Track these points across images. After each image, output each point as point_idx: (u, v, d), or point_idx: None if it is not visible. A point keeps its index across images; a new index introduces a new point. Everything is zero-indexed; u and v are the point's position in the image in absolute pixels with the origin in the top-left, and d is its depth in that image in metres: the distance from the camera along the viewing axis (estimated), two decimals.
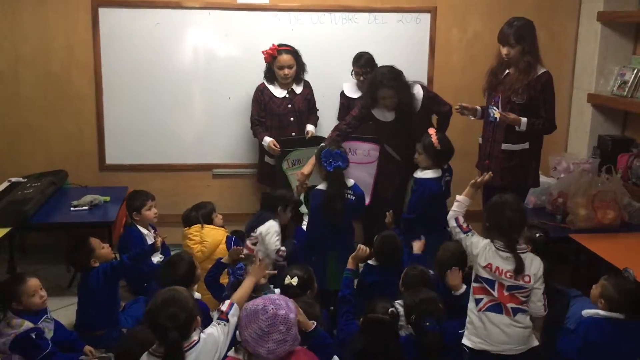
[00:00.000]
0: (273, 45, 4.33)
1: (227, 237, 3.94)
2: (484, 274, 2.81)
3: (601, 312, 2.95)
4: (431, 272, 3.38)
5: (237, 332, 2.43)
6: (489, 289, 2.80)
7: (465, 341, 2.86)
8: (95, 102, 4.68)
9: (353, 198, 3.78)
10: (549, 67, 3.87)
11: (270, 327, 2.26)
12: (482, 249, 2.85)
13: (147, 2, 4.57)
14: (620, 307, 2.93)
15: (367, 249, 3.40)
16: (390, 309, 2.85)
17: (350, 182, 3.83)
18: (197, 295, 3.21)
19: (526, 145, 3.88)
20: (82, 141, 4.73)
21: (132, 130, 4.74)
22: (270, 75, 4.42)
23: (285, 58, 4.32)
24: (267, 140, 4.30)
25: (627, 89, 4.38)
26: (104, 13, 4.55)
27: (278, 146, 4.26)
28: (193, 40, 4.68)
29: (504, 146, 3.89)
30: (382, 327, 2.76)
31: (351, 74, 4.45)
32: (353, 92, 4.51)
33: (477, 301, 2.84)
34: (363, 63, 4.34)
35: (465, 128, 4.32)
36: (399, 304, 3.21)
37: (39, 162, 4.62)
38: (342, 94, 4.57)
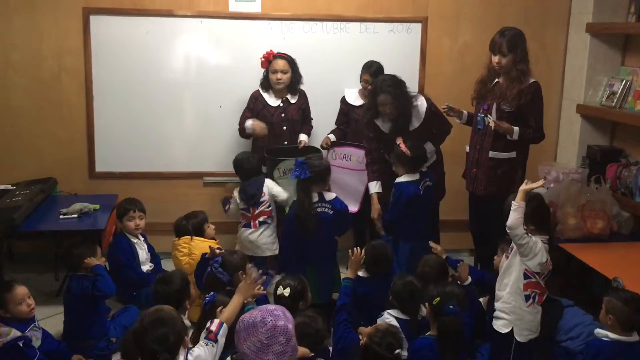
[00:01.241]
0: (271, 50, 4.35)
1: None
2: (538, 269, 2.96)
3: (611, 334, 2.84)
4: None
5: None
6: (540, 281, 2.98)
7: (518, 337, 3.00)
8: (86, 110, 4.65)
9: (331, 212, 3.68)
10: (538, 78, 3.92)
11: (270, 339, 2.20)
12: (540, 246, 2.97)
13: (139, 10, 4.56)
14: (630, 319, 2.81)
15: (360, 251, 3.36)
16: (396, 351, 2.75)
17: (331, 195, 3.74)
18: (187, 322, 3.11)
19: (513, 154, 3.93)
20: (72, 148, 4.70)
21: (122, 138, 4.72)
22: (266, 82, 4.42)
23: (279, 63, 4.33)
24: (249, 121, 4.32)
25: (615, 100, 4.41)
26: (95, 20, 4.54)
27: (266, 127, 4.28)
28: (184, 48, 4.68)
29: (491, 154, 3.94)
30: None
31: (360, 81, 4.46)
32: (355, 100, 4.53)
33: (527, 297, 2.98)
34: (374, 71, 4.34)
35: (456, 136, 4.34)
36: (388, 313, 3.22)
37: (28, 170, 4.58)
38: (343, 99, 4.58)
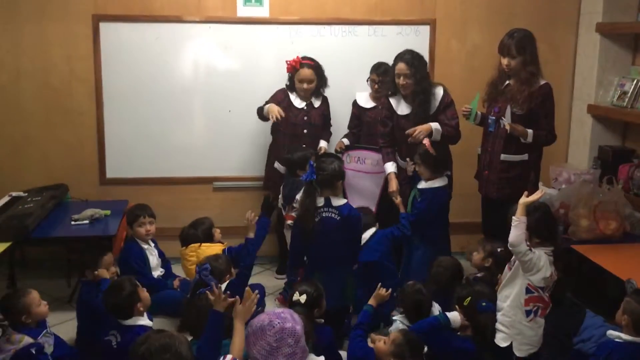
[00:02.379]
0: (297, 57, 4.36)
1: (223, 250, 3.92)
2: (542, 283, 2.90)
3: (624, 335, 2.79)
4: None
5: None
6: (544, 295, 2.92)
7: (517, 352, 2.94)
8: (96, 116, 4.68)
9: (337, 218, 3.52)
10: (549, 79, 3.89)
11: (279, 341, 2.21)
12: (545, 259, 2.90)
13: (148, 16, 4.58)
14: None
15: (387, 292, 3.25)
16: (424, 350, 2.77)
17: (340, 201, 3.58)
18: (147, 321, 3.08)
19: (525, 157, 3.90)
20: (82, 155, 4.73)
21: (132, 144, 4.74)
22: (292, 85, 4.44)
23: (306, 72, 4.33)
24: (269, 105, 4.28)
25: (626, 100, 4.38)
26: (105, 27, 4.57)
27: (282, 114, 4.21)
28: (193, 53, 4.69)
29: (502, 157, 3.91)
30: None
31: (367, 81, 4.46)
32: (366, 102, 4.52)
33: (528, 312, 2.92)
34: (382, 71, 4.34)
35: (467, 137, 4.32)
36: (398, 320, 3.21)
37: (40, 176, 4.61)
38: (355, 103, 4.57)
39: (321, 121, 4.50)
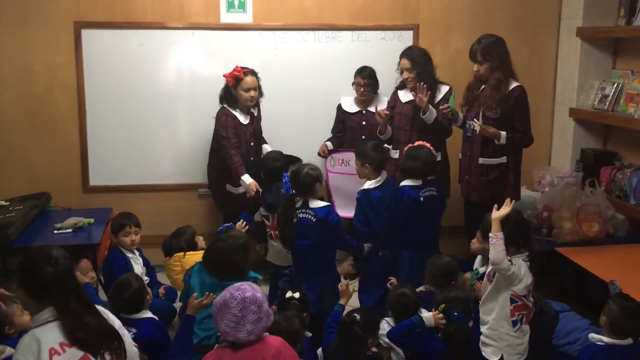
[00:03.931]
0: (237, 67, 4.26)
1: None
2: (525, 292, 2.87)
3: (605, 338, 2.80)
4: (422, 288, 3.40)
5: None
6: (527, 302, 2.90)
7: None
8: (79, 123, 4.64)
9: (313, 219, 3.53)
10: (530, 83, 3.95)
11: (243, 310, 2.31)
12: (524, 268, 2.87)
13: (130, 23, 4.56)
14: (620, 324, 2.77)
15: (350, 289, 3.26)
16: (353, 314, 2.87)
17: (318, 203, 3.58)
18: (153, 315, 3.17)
19: (504, 160, 3.94)
20: (65, 163, 4.68)
21: (116, 151, 4.70)
22: (232, 100, 4.28)
23: (252, 80, 4.23)
24: (249, 181, 4.06)
25: (607, 103, 4.43)
26: (87, 34, 4.53)
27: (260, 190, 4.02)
28: (177, 60, 4.68)
29: (481, 160, 3.96)
30: (347, 331, 2.82)
31: (352, 85, 4.48)
32: (350, 107, 4.55)
33: (514, 323, 2.88)
34: (366, 74, 4.41)
35: (449, 142, 4.35)
36: (386, 321, 3.22)
37: (22, 185, 4.56)
38: (339, 107, 4.60)
39: (260, 128, 4.47)
